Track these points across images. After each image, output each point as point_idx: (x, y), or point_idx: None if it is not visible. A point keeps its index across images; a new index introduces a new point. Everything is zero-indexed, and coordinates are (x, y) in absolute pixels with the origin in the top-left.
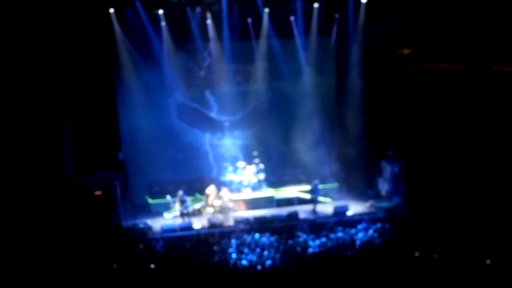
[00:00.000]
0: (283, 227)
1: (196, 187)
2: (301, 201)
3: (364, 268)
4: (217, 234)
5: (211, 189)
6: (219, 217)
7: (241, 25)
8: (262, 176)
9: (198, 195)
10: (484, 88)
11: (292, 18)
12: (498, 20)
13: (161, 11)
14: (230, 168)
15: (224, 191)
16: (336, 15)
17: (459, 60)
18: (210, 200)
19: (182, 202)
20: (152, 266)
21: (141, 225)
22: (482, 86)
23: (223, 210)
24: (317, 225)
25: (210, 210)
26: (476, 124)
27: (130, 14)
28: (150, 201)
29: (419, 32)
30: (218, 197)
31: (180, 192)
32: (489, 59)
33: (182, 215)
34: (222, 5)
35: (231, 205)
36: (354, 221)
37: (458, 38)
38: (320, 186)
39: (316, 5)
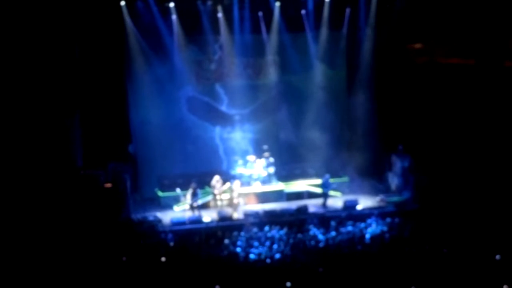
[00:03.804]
0: (293, 221)
1: (206, 181)
2: (311, 195)
3: (374, 262)
4: (227, 228)
5: (215, 180)
6: (229, 210)
7: (252, 19)
8: (272, 169)
9: (207, 188)
10: (495, 84)
11: (303, 12)
12: (510, 15)
13: (172, 4)
14: (240, 162)
15: (236, 183)
16: (347, 9)
17: (470, 55)
18: (217, 191)
19: (195, 194)
20: (163, 259)
21: (151, 218)
22: (493, 81)
23: (233, 202)
24: (327, 219)
25: (220, 203)
26: (487, 119)
27: (141, 7)
28: (160, 194)
29: (430, 27)
30: (230, 189)
31: (194, 185)
32: (501, 54)
33: (192, 208)
34: None
35: (240, 200)
36: (364, 215)
37: (469, 33)
38: (331, 180)
39: None
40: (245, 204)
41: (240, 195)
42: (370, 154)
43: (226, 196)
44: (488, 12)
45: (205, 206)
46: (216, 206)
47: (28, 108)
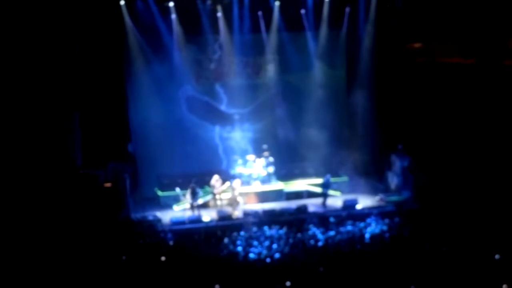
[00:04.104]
0: (292, 220)
1: (205, 180)
2: (310, 195)
3: (373, 261)
4: (226, 227)
5: (215, 179)
6: (229, 210)
7: (251, 18)
8: (271, 169)
9: (207, 188)
10: (495, 83)
11: (302, 11)
12: (510, 14)
13: (171, 4)
14: (240, 161)
15: (236, 182)
16: (347, 9)
17: (470, 55)
18: (216, 191)
19: (194, 194)
20: (163, 258)
21: (151, 218)
22: (493, 80)
23: (232, 201)
24: (326, 219)
25: (219, 202)
26: (487, 118)
27: (141, 6)
28: (160, 193)
29: (430, 26)
30: (231, 188)
31: (193, 184)
32: (501, 53)
33: (192, 207)
34: None
35: (240, 199)
36: (363, 215)
37: (469, 32)
38: (332, 180)
39: None
40: (245, 203)
41: (240, 194)
42: (370, 154)
43: (225, 196)
44: (488, 11)
45: (204, 205)
46: (215, 205)
47: (27, 107)
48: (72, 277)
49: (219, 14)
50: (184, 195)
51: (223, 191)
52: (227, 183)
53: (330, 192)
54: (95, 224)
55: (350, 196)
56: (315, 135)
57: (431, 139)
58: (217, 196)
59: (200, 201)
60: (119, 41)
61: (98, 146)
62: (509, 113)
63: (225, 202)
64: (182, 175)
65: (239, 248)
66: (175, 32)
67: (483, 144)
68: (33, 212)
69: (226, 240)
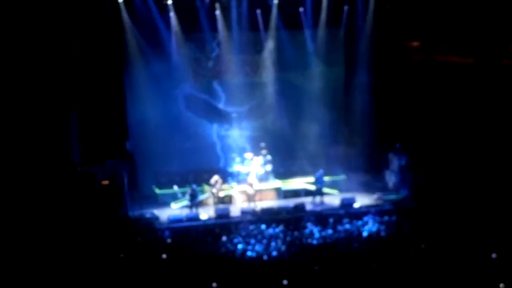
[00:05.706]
0: (290, 219)
1: (203, 178)
2: (308, 193)
3: (370, 260)
4: (224, 225)
5: (214, 179)
6: (249, 204)
7: (250, 16)
8: (269, 167)
9: (205, 186)
10: (493, 82)
11: (301, 9)
12: (509, 13)
13: (170, 1)
14: (238, 159)
15: (252, 177)
16: (346, 7)
17: (469, 54)
18: (215, 190)
19: (193, 195)
20: (164, 256)
21: (148, 215)
22: (491, 79)
23: (250, 197)
24: (324, 217)
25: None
26: (486, 117)
27: (139, 4)
28: (157, 191)
29: (429, 25)
30: (249, 184)
31: (193, 185)
32: (499, 53)
33: (190, 206)
34: None
35: (238, 196)
36: (361, 213)
37: (468, 31)
38: (327, 178)
39: None
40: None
41: (258, 190)
42: (368, 152)
43: (249, 191)
44: (487, 10)
45: (202, 203)
46: (213, 204)
47: (25, 104)
48: (70, 275)
49: (218, 12)
50: (182, 193)
51: (222, 190)
52: (226, 184)
53: (327, 190)
54: (92, 221)
55: (347, 195)
56: (313, 133)
57: (429, 138)
58: (215, 195)
59: (199, 198)
60: (117, 38)
61: (96, 144)
62: (508, 112)
63: (226, 199)
64: (180, 173)
65: (237, 246)
66: (174, 30)
67: (481, 143)
68: (30, 209)
69: (223, 238)
